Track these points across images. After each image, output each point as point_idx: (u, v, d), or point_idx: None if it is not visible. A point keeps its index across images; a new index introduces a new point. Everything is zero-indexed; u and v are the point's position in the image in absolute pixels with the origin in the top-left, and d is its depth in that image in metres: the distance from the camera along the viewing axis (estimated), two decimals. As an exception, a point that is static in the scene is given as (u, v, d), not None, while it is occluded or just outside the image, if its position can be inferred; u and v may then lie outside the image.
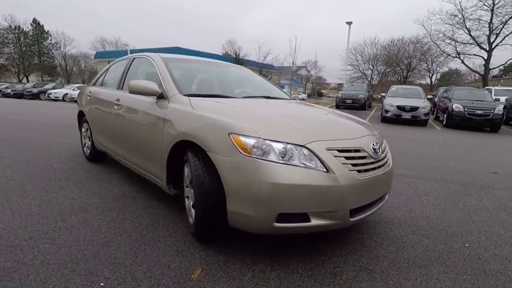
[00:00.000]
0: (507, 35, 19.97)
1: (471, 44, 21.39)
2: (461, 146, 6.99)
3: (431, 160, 4.99)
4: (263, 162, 1.63)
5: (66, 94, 21.09)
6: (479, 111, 10.11)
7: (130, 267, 1.70)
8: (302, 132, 1.84)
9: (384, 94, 13.92)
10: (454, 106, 10.55)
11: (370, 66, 35.56)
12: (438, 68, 37.11)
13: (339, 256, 1.93)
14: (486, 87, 16.67)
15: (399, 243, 2.15)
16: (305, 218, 1.68)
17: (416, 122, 11.00)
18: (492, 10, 19.74)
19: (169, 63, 2.70)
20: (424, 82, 39.63)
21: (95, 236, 2.03)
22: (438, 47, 23.48)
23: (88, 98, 3.76)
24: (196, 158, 1.92)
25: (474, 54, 22.10)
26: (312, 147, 1.72)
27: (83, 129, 4.04)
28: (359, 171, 1.81)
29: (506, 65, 26.31)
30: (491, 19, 20.01)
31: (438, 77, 41.29)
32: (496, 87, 16.72)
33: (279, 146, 1.68)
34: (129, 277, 1.62)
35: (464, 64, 23.92)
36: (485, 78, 22.04)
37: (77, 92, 20.50)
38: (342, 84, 24.30)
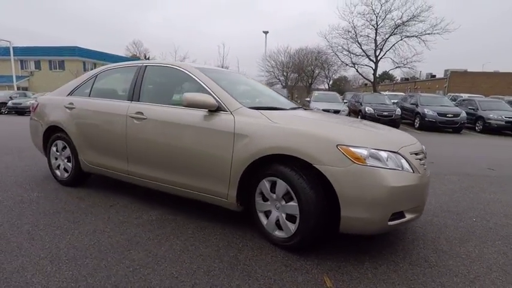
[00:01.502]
0: (387, 50, 24.96)
1: (362, 56, 25.83)
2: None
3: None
4: (377, 169, 1.82)
5: None
6: (385, 113, 12.38)
7: (265, 291, 1.63)
8: (389, 140, 2.10)
9: (308, 99, 15.48)
10: (366, 109, 12.64)
11: (284, 73, 38.63)
12: (333, 75, 43.23)
13: (410, 243, 2.26)
14: (379, 93, 20.36)
15: (434, 226, 2.62)
16: (402, 214, 1.95)
17: (339, 123, 12.68)
18: (376, 29, 24.33)
19: (209, 74, 2.57)
20: (323, 87, 45.48)
21: (187, 268, 1.82)
22: (338, 57, 27.38)
23: (69, 110, 3.13)
24: (294, 172, 1.95)
25: (366, 65, 26.75)
26: (402, 152, 1.99)
27: (54, 149, 3.33)
28: (425, 169, 2.18)
29: (380, 74, 32.60)
30: (376, 36, 24.63)
31: (331, 83, 47.90)
32: (386, 93, 20.64)
33: (384, 154, 1.89)
34: (275, 300, 1.56)
35: (358, 72, 28.65)
36: (374, 85, 26.88)
37: None
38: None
